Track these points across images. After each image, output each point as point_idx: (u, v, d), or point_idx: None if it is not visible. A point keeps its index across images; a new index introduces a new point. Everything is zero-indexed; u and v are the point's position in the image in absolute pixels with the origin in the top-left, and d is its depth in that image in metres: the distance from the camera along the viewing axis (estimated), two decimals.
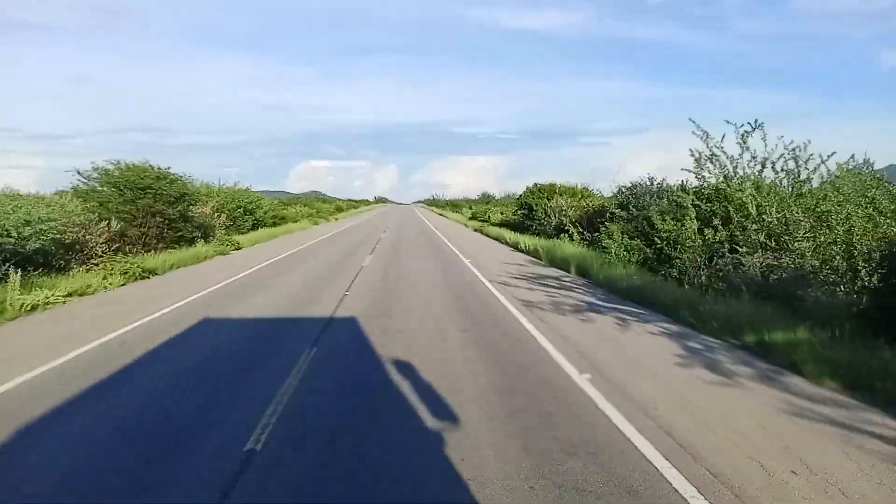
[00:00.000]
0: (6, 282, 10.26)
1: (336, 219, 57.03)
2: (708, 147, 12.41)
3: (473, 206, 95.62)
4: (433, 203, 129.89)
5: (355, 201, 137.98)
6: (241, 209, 30.12)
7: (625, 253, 14.48)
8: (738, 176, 12.21)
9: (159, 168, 19.03)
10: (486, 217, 42.13)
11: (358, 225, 45.96)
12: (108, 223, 15.41)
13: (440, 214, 77.30)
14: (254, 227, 31.15)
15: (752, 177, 12.11)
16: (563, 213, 22.22)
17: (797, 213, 9.58)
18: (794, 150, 11.75)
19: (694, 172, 12.75)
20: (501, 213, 36.21)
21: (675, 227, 12.69)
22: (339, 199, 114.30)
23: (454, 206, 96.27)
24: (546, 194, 25.82)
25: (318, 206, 66.32)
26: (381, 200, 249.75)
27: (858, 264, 7.82)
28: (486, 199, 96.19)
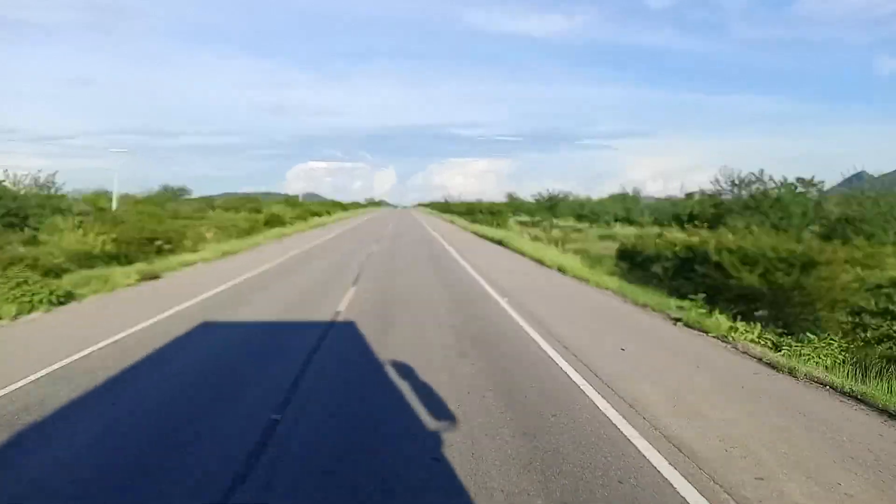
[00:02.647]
0: None
1: (201, 259, 17.74)
2: None
3: (535, 215, 56.69)
4: (446, 208, 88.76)
5: (328, 204, 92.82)
6: None
7: None
8: None
9: None
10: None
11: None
12: None
13: (484, 237, 34.09)
14: None
15: None
16: None
17: None
18: None
19: None
20: None
21: None
22: (271, 202, 72.12)
23: (491, 213, 56.64)
24: None
25: (189, 223, 27.95)
26: (374, 203, 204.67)
27: None
28: (550, 200, 56.85)
